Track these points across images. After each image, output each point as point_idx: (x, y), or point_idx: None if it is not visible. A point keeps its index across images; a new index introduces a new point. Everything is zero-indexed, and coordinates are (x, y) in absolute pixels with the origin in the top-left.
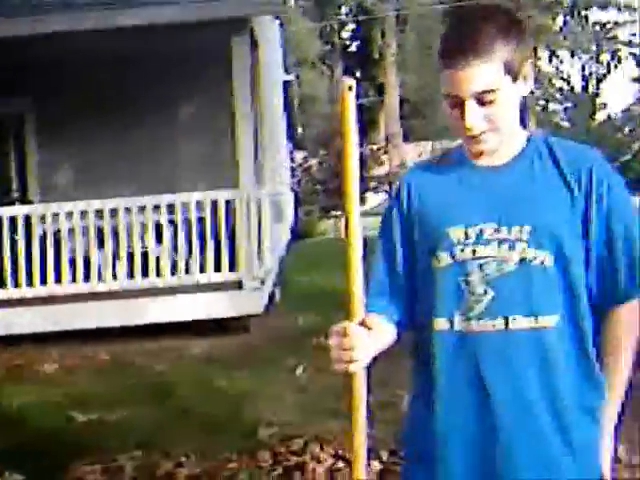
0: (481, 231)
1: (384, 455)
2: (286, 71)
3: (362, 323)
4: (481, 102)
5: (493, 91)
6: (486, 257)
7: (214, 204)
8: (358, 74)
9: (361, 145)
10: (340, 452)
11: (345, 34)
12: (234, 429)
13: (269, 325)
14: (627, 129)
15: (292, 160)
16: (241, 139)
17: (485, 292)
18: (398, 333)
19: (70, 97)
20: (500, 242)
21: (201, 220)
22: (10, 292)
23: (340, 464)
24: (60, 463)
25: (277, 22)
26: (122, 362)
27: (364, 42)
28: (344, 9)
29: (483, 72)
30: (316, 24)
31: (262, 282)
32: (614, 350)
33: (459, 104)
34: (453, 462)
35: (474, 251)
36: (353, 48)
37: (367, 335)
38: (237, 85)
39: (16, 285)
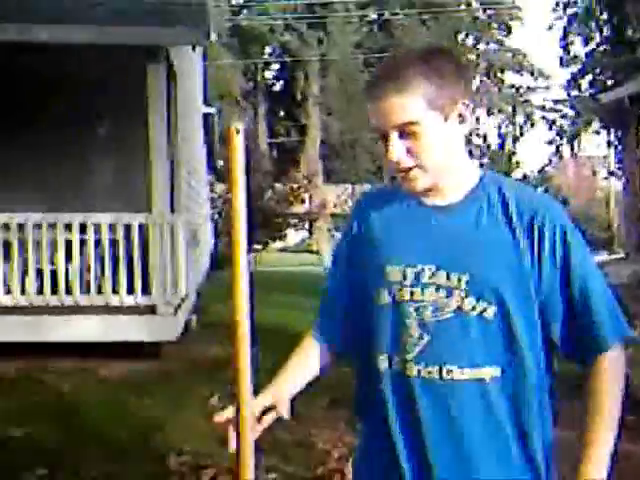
0: (419, 273)
1: None
2: (208, 104)
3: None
4: (403, 135)
5: (413, 123)
6: (423, 301)
7: (127, 227)
8: (281, 113)
9: (283, 183)
10: None
11: (269, 74)
12: (144, 455)
13: (184, 353)
14: (542, 189)
15: (212, 191)
16: (154, 164)
17: (421, 336)
18: (337, 354)
19: None
20: (438, 287)
21: (114, 242)
22: None
23: None
24: None
25: (199, 54)
26: (29, 379)
27: (288, 83)
28: (268, 49)
29: (403, 103)
30: (240, 61)
31: (177, 309)
32: (597, 397)
33: (384, 138)
34: None
35: (412, 293)
36: (277, 88)
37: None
38: (151, 111)
39: None
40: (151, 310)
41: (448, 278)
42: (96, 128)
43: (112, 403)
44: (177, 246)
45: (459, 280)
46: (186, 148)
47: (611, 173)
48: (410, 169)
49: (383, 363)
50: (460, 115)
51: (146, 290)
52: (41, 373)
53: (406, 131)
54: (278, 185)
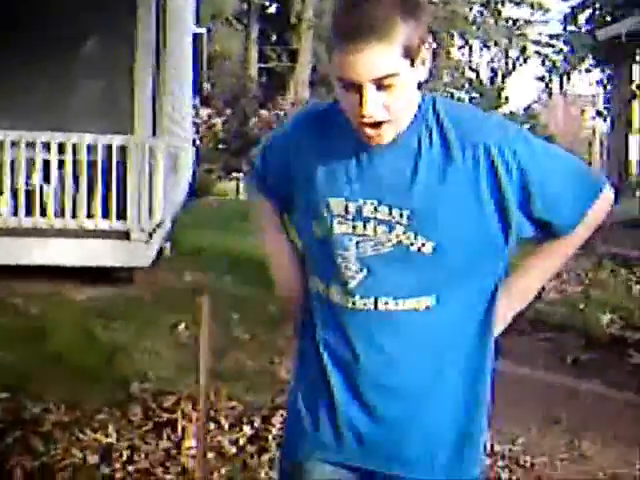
0: (361, 207)
1: (256, 421)
2: (198, 23)
3: None
4: (379, 87)
5: (392, 76)
6: (363, 235)
7: (107, 149)
8: (274, 37)
9: (269, 109)
10: (212, 413)
11: None
12: (107, 380)
13: (155, 280)
14: (527, 126)
15: (197, 115)
16: (139, 84)
17: (359, 270)
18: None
19: None
20: (378, 222)
21: (92, 164)
22: None
23: (211, 425)
24: None
25: None
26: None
27: (282, 5)
28: None
29: (383, 55)
30: None
31: (151, 235)
32: (554, 257)
33: (355, 88)
34: (326, 424)
35: (354, 227)
36: (272, 10)
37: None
38: (139, 28)
39: None
40: (125, 235)
41: (389, 213)
42: (81, 45)
43: (79, 327)
44: (156, 171)
45: (400, 215)
46: (173, 69)
47: (598, 113)
48: (381, 123)
49: (321, 289)
50: (423, 59)
51: (121, 215)
52: (10, 296)
53: (383, 84)
54: (264, 112)
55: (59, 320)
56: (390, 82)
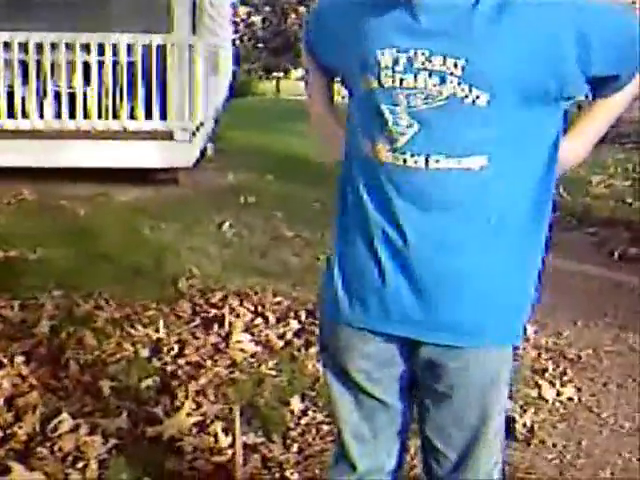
0: (412, 58)
1: (302, 315)
2: None
3: None
4: None
5: None
6: (414, 88)
7: (146, 49)
8: None
9: (307, 6)
10: (259, 309)
11: None
12: (155, 277)
13: (198, 180)
14: None
15: (235, 14)
16: None
17: (410, 125)
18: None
19: None
20: (431, 73)
21: (132, 65)
22: None
23: (258, 320)
24: None
25: None
26: (47, 203)
27: None
28: None
29: None
30: None
31: (194, 134)
32: (595, 115)
33: None
34: (368, 291)
35: (403, 80)
36: None
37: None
38: None
39: None
40: (168, 136)
41: (443, 64)
42: None
43: (127, 227)
44: (196, 70)
45: (455, 65)
46: None
47: None
48: None
49: (367, 149)
50: None
51: (163, 115)
52: (57, 198)
53: None
54: (302, 8)
55: (106, 220)
56: None
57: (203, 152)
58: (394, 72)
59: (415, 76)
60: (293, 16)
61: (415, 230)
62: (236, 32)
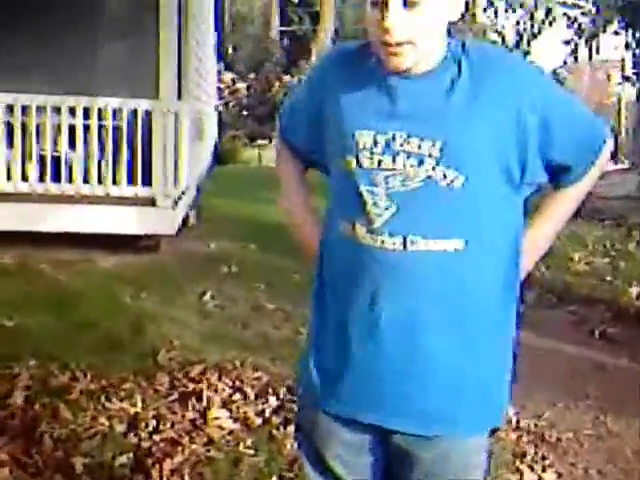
0: (390, 140)
1: (282, 392)
2: None
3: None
4: (405, 3)
5: None
6: (392, 169)
7: (132, 113)
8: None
9: (291, 75)
10: (238, 384)
11: None
12: (134, 349)
13: (180, 248)
14: None
15: (220, 81)
16: (164, 48)
17: (387, 207)
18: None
19: None
20: (408, 155)
21: (117, 129)
22: None
23: (237, 395)
24: None
25: None
26: (27, 268)
27: None
28: None
29: None
30: None
31: (176, 201)
32: (568, 204)
33: (381, 3)
34: (340, 376)
35: (381, 161)
36: None
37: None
38: None
39: None
40: (151, 202)
41: (420, 146)
42: (105, 9)
43: (106, 295)
44: (181, 136)
45: (432, 146)
46: (197, 32)
47: (626, 78)
48: (401, 44)
49: (346, 230)
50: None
51: (146, 181)
52: (37, 263)
53: (408, 0)
54: (287, 77)
55: (86, 288)
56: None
57: (185, 220)
58: (372, 153)
59: (393, 158)
60: (277, 84)
61: (389, 311)
62: (221, 98)
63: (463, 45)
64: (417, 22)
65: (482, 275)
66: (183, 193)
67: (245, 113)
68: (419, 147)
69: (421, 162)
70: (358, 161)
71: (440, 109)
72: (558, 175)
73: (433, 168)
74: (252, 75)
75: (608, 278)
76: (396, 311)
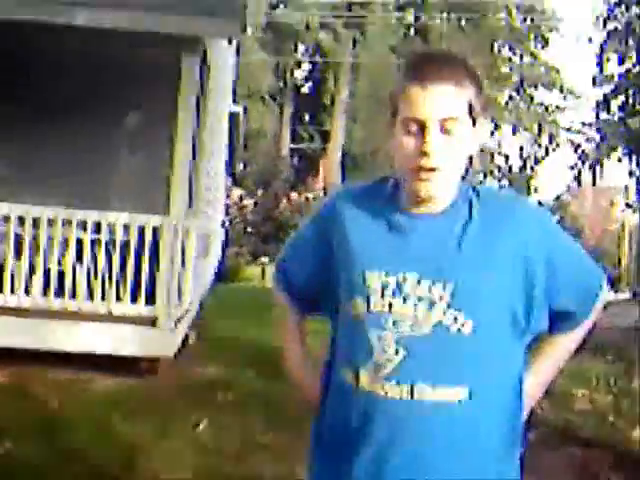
0: (401, 282)
1: None
2: (234, 102)
3: None
4: (442, 130)
5: (455, 120)
6: (402, 314)
7: (141, 229)
8: (307, 117)
9: (299, 193)
10: None
11: (299, 73)
12: None
13: (178, 370)
14: (557, 217)
15: (227, 197)
16: (177, 163)
17: (396, 352)
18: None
19: (12, 90)
20: (418, 299)
21: (126, 244)
22: None
23: None
24: None
25: (233, 49)
26: (19, 389)
27: (317, 85)
28: (301, 47)
29: (455, 96)
30: (271, 58)
31: (177, 322)
32: (562, 352)
33: (416, 131)
34: None
35: (390, 305)
36: (306, 90)
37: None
38: (181, 107)
39: None
40: (152, 322)
41: (430, 290)
42: (121, 122)
43: (98, 423)
44: (188, 254)
45: (443, 289)
46: (210, 146)
47: (628, 205)
48: (434, 169)
49: (349, 378)
50: (480, 129)
51: (150, 300)
52: (32, 384)
53: (445, 127)
54: (294, 195)
55: (78, 413)
56: (452, 127)
57: (185, 339)
58: (383, 296)
59: (404, 300)
60: (284, 201)
61: (395, 459)
62: (227, 214)
63: (474, 188)
64: (450, 150)
65: (487, 422)
66: (185, 313)
67: (250, 230)
68: (430, 290)
69: (431, 305)
70: (368, 304)
71: (451, 252)
72: (557, 322)
73: (444, 312)
74: (260, 192)
75: (611, 419)
76: (402, 458)
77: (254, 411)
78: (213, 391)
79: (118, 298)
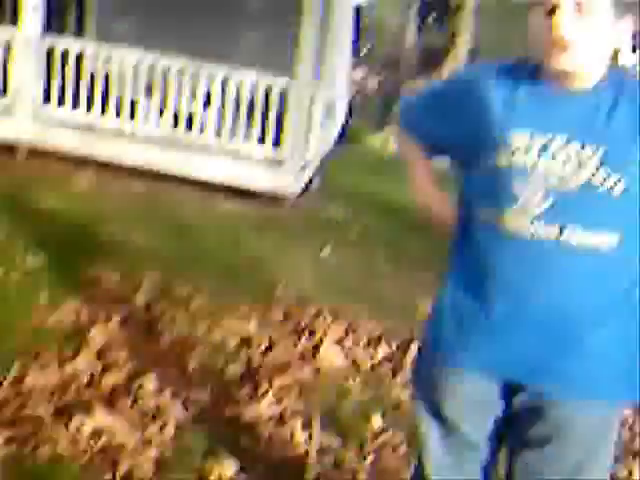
0: (549, 141)
1: (393, 345)
2: None
3: None
4: (579, 10)
5: (590, 3)
6: (548, 169)
7: (267, 89)
8: (433, 15)
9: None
10: (351, 328)
11: None
12: (252, 282)
13: (301, 208)
14: None
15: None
16: (304, 31)
17: (545, 198)
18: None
19: None
20: (568, 158)
21: (252, 100)
22: (53, 111)
23: (349, 339)
24: (80, 262)
25: None
26: (155, 198)
27: None
28: None
29: None
30: None
31: (303, 166)
32: None
33: (552, 12)
34: (480, 332)
35: (536, 162)
36: None
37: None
38: None
39: (60, 104)
40: (278, 163)
41: (580, 151)
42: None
43: (229, 233)
44: (315, 107)
45: (594, 152)
46: (337, 20)
47: None
48: (565, 43)
49: (490, 218)
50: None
51: (277, 143)
52: (165, 196)
53: (580, 7)
54: (419, 80)
55: (210, 222)
56: (587, 7)
57: (307, 185)
58: (528, 153)
59: (552, 157)
60: (410, 82)
61: (532, 297)
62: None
63: (626, 75)
64: (584, 27)
65: (632, 269)
66: (310, 159)
67: (376, 103)
68: (579, 151)
69: (581, 165)
70: (512, 160)
71: (602, 120)
72: None
73: (593, 174)
74: (385, 72)
75: None
76: (539, 297)
77: (376, 249)
78: (335, 228)
79: (246, 138)
